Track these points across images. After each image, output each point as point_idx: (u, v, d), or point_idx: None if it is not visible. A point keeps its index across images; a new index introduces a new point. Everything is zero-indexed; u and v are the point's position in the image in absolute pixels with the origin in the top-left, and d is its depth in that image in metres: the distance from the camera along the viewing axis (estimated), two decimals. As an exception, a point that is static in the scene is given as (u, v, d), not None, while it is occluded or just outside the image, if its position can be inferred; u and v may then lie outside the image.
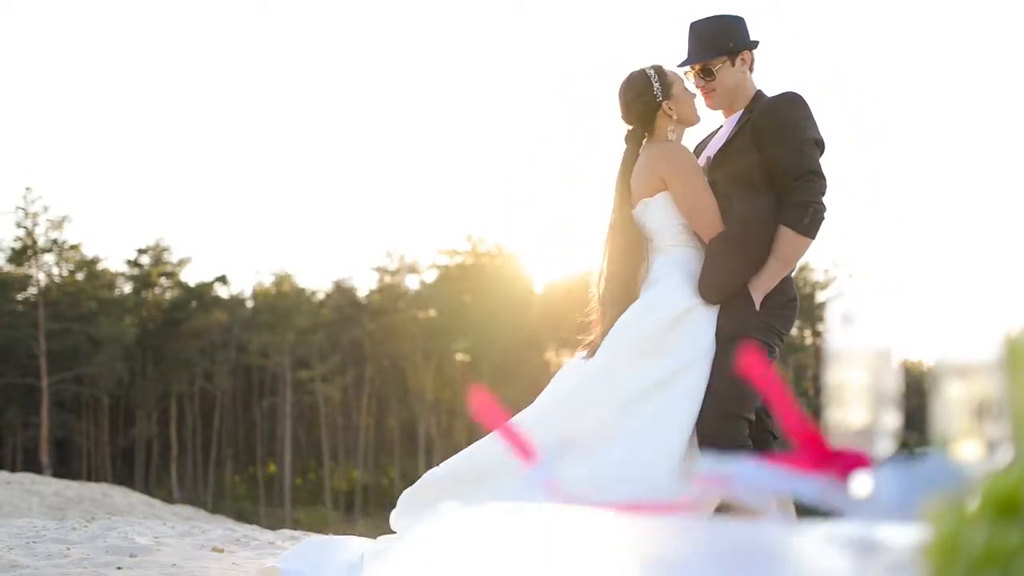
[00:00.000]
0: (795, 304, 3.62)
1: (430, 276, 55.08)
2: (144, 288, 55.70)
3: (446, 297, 51.72)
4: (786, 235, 3.45)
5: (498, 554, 0.90)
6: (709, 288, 3.49)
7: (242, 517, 35.62)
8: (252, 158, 72.60)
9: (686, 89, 3.69)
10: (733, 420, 3.39)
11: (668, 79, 3.65)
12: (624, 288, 3.59)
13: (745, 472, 0.99)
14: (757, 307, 3.47)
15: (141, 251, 55.64)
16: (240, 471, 55.75)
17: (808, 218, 3.44)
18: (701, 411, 3.40)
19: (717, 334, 3.47)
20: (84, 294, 52.65)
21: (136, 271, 55.57)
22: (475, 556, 0.88)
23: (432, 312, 53.08)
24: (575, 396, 3.49)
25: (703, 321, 3.48)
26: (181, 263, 55.86)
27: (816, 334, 50.02)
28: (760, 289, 3.47)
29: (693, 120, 3.71)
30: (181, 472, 53.76)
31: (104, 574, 4.27)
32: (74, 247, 52.93)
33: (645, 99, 3.63)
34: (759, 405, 3.52)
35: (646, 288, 3.57)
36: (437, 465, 3.69)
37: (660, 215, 3.59)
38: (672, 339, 3.45)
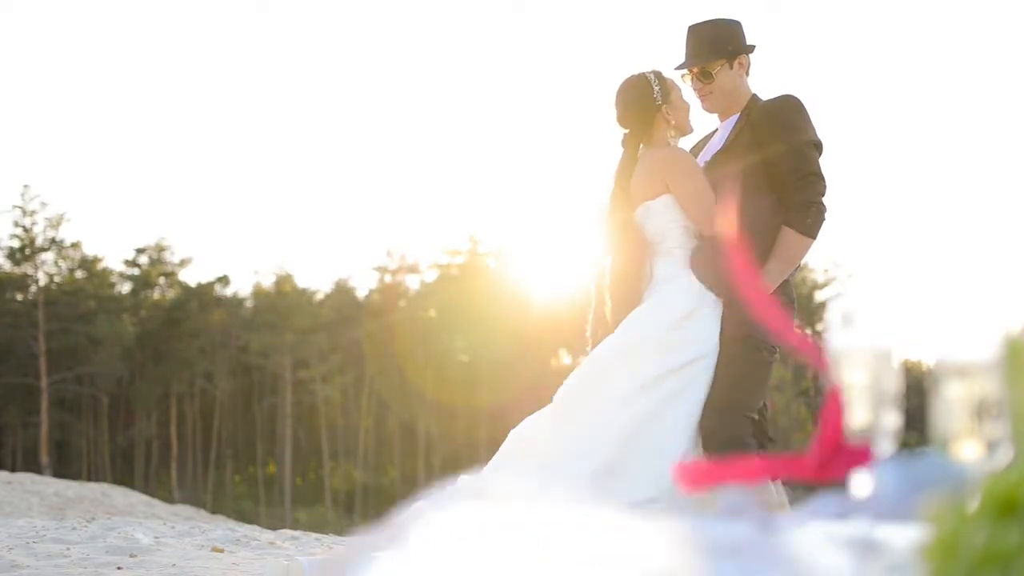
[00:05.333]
0: (795, 305, 3.66)
1: (430, 276, 55.12)
2: (143, 288, 55.71)
3: (446, 297, 51.71)
4: (788, 236, 3.47)
5: (497, 554, 0.90)
6: (713, 281, 3.50)
7: (242, 517, 35.62)
8: (252, 158, 72.66)
9: (683, 98, 3.71)
10: (736, 419, 3.41)
11: (668, 85, 3.67)
12: (628, 291, 3.62)
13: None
14: (760, 308, 3.48)
15: (140, 251, 55.68)
16: (240, 471, 55.75)
17: (810, 219, 3.47)
18: (704, 409, 3.42)
19: (721, 334, 3.49)
20: (83, 293, 52.66)
21: (135, 271, 55.61)
22: (474, 556, 0.88)
23: (432, 312, 53.07)
24: (579, 392, 3.52)
25: (708, 321, 3.50)
26: (183, 263, 55.90)
27: (816, 334, 50.01)
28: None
29: (688, 129, 3.74)
30: (181, 472, 53.75)
31: (104, 574, 4.27)
32: (73, 245, 52.97)
33: (644, 102, 3.64)
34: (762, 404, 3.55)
35: (651, 290, 3.60)
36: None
37: (662, 218, 3.60)
38: (677, 338, 3.48)
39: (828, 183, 3.54)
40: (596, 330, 3.66)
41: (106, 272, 55.14)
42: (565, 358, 49.55)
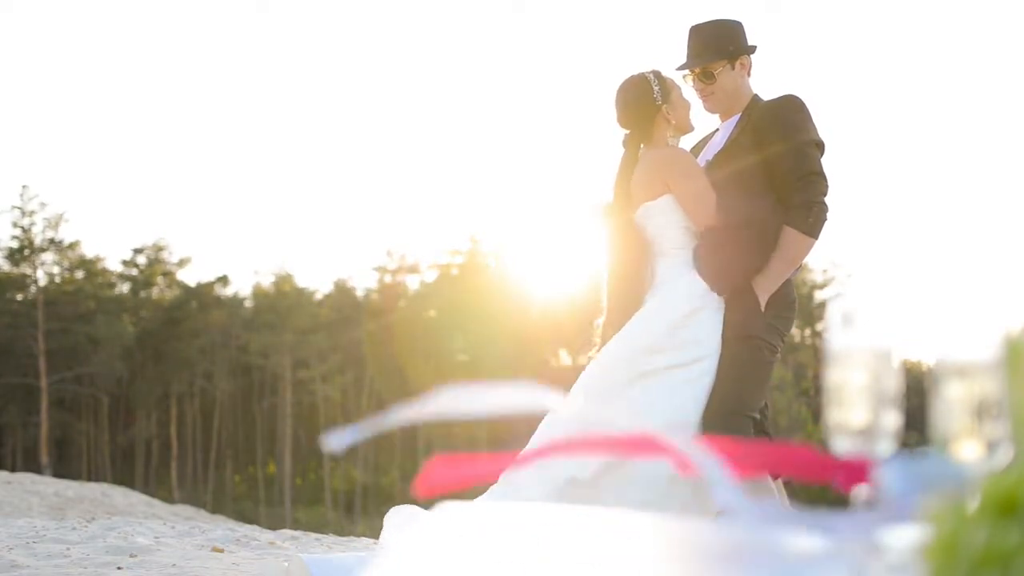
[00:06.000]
0: (795, 305, 3.66)
1: (430, 276, 55.13)
2: (142, 288, 55.73)
3: (446, 297, 51.73)
4: (790, 235, 3.48)
5: (492, 554, 0.90)
6: (715, 280, 3.50)
7: (242, 517, 35.62)
8: (252, 158, 72.66)
9: (683, 96, 3.71)
10: (738, 418, 3.41)
11: (667, 84, 3.67)
12: (629, 291, 3.62)
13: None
14: (762, 308, 3.49)
15: (137, 251, 55.69)
16: (240, 471, 55.76)
17: (812, 218, 3.47)
18: (706, 409, 3.43)
19: (723, 334, 3.49)
20: (83, 293, 52.66)
21: (132, 271, 55.62)
22: (469, 556, 0.88)
23: (432, 312, 53.08)
24: (582, 392, 3.52)
25: (710, 321, 3.50)
26: (181, 263, 55.91)
27: (815, 334, 50.06)
28: (765, 290, 3.50)
29: (688, 128, 3.74)
30: (181, 472, 53.76)
31: (104, 574, 4.27)
32: (72, 246, 52.96)
33: (644, 103, 3.64)
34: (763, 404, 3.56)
35: (652, 291, 3.60)
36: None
37: (663, 218, 3.60)
38: (679, 338, 3.48)
39: (829, 183, 3.54)
40: (607, 334, 3.66)
41: (105, 272, 55.15)
42: (565, 358, 49.53)
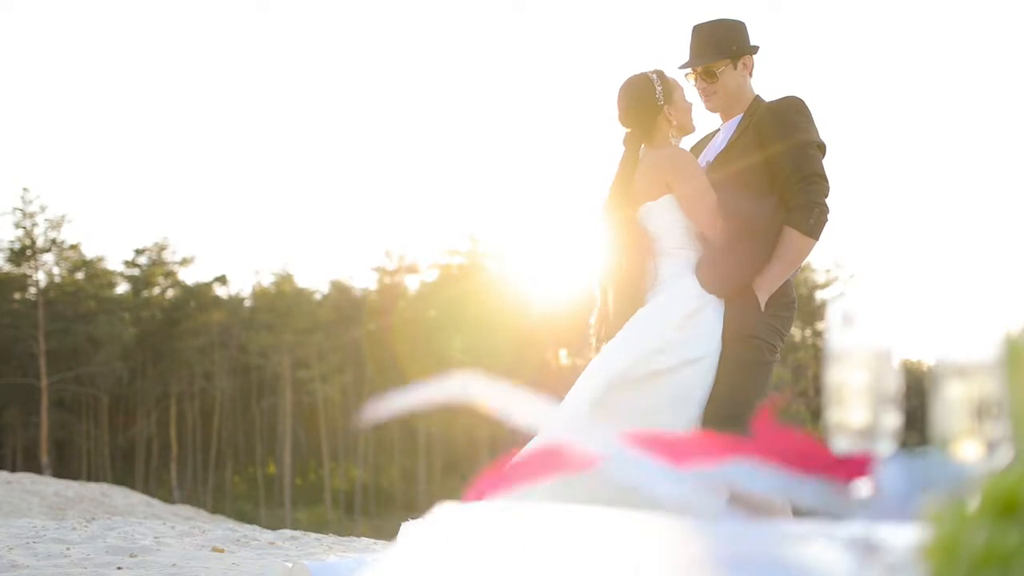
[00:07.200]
0: (795, 305, 3.66)
1: (430, 276, 55.12)
2: (143, 288, 55.73)
3: (446, 297, 51.73)
4: (791, 236, 3.48)
5: (496, 555, 0.90)
6: (716, 283, 3.51)
7: (242, 517, 35.61)
8: (252, 158, 72.65)
9: (685, 97, 3.71)
10: (738, 419, 3.41)
11: (670, 84, 3.67)
12: (631, 291, 3.62)
13: (743, 472, 0.99)
14: (762, 308, 3.49)
15: (139, 251, 55.69)
16: (240, 471, 55.74)
17: (813, 219, 3.48)
18: (706, 409, 3.43)
19: (723, 334, 3.50)
20: (83, 294, 52.67)
21: (134, 271, 55.63)
22: (472, 557, 0.88)
23: (432, 312, 53.08)
24: (583, 391, 3.51)
25: (711, 321, 3.51)
26: (184, 262, 55.89)
27: (816, 334, 50.06)
28: (765, 290, 3.50)
29: (690, 129, 3.74)
30: (181, 472, 53.74)
31: (104, 574, 4.28)
32: (73, 247, 52.97)
33: (646, 102, 3.63)
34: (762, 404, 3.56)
35: (655, 292, 3.59)
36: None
37: (664, 218, 3.60)
38: (680, 337, 3.48)
39: (831, 184, 3.55)
40: (600, 330, 3.66)
41: (106, 272, 55.15)
42: (565, 358, 49.54)
